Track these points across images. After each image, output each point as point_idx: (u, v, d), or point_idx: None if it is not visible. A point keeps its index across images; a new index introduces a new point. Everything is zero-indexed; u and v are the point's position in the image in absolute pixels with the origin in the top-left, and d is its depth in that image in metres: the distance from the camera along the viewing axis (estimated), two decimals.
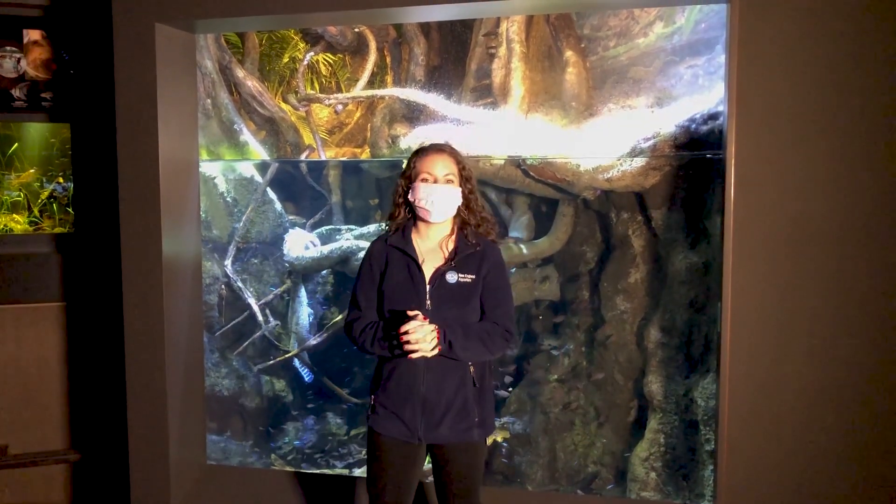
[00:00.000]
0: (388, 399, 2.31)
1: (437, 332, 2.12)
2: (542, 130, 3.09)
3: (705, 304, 2.99)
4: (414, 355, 2.11)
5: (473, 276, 2.26)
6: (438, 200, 2.24)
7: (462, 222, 2.33)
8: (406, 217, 2.35)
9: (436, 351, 2.13)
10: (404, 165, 2.36)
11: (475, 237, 2.31)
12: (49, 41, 3.61)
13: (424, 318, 2.11)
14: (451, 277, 2.26)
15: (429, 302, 2.24)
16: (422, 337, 2.08)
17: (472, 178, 2.34)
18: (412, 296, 2.25)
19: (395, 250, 2.31)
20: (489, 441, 3.26)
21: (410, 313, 2.12)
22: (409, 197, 2.29)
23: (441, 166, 2.26)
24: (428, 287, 2.26)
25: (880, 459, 2.57)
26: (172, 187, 3.18)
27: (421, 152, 2.32)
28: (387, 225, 2.39)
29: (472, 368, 2.27)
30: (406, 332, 2.09)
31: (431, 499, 3.03)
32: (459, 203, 2.30)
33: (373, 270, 2.34)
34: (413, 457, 2.34)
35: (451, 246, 2.31)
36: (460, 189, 2.29)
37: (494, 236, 2.39)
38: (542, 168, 3.11)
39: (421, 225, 2.33)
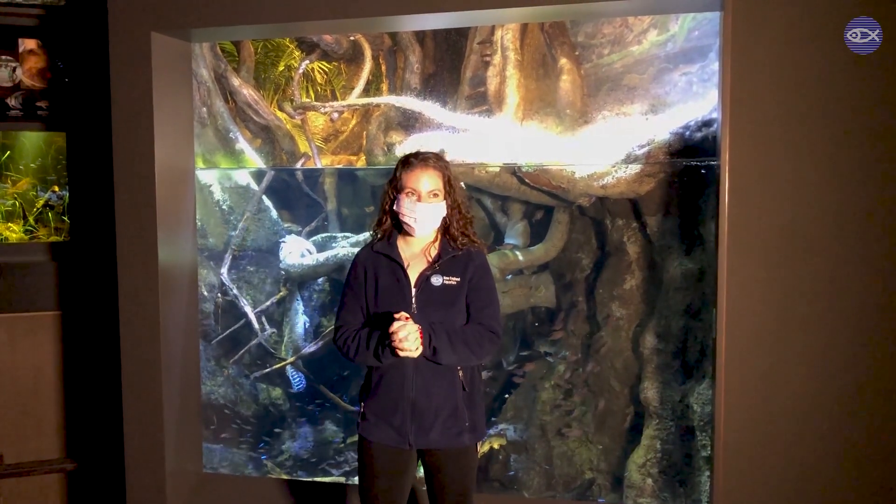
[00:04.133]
0: (378, 406, 2.32)
1: (421, 334, 2.13)
2: (536, 138, 3.10)
3: (700, 310, 3.00)
4: (401, 353, 2.12)
5: (458, 279, 2.28)
6: (422, 218, 2.27)
7: (445, 229, 2.34)
8: (391, 226, 2.38)
9: (420, 350, 2.14)
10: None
11: (459, 244, 2.32)
12: (44, 50, 3.61)
13: (406, 319, 2.12)
14: (436, 280, 2.27)
15: (414, 305, 2.26)
16: (405, 336, 2.09)
17: (456, 189, 2.34)
18: (398, 300, 2.28)
19: (380, 256, 2.34)
20: (485, 447, 3.27)
21: (396, 315, 2.13)
22: (395, 208, 2.32)
23: (426, 182, 2.27)
24: (413, 290, 2.28)
25: (876, 465, 2.57)
26: (168, 195, 3.18)
27: (407, 165, 2.32)
28: (374, 231, 2.41)
29: (461, 373, 2.28)
30: (394, 332, 2.10)
31: None
32: (444, 215, 2.32)
33: (359, 278, 2.36)
34: (404, 463, 2.34)
35: (434, 251, 2.33)
36: (445, 203, 2.30)
37: (479, 245, 2.40)
38: (537, 175, 3.12)
39: (406, 234, 2.36)
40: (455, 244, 2.32)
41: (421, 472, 2.44)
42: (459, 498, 2.37)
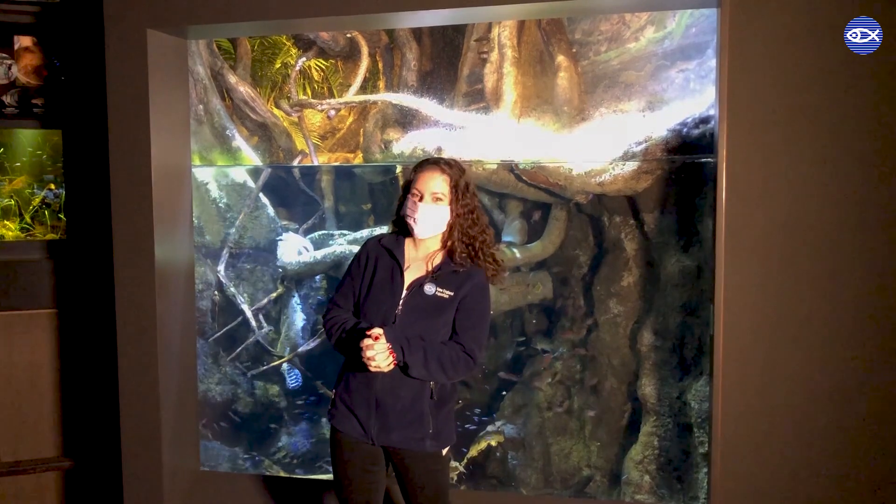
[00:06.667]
0: (348, 396, 2.34)
1: (392, 353, 2.14)
2: (534, 135, 3.10)
3: (698, 307, 3.00)
4: (371, 369, 2.14)
5: (451, 294, 2.27)
6: (422, 218, 2.27)
7: (452, 242, 2.31)
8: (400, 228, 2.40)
9: (391, 367, 2.16)
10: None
11: (463, 261, 2.29)
12: (40, 47, 3.60)
13: (376, 339, 2.12)
14: (429, 289, 2.27)
15: (400, 307, 2.26)
16: (373, 355, 2.11)
17: (468, 199, 2.30)
18: (388, 298, 2.29)
19: (385, 252, 2.36)
20: (482, 445, 3.27)
21: (368, 332, 2.14)
22: (402, 209, 2.34)
23: (432, 184, 2.27)
24: (404, 293, 2.28)
25: (873, 462, 2.58)
26: (165, 193, 3.18)
27: (419, 166, 2.33)
28: (389, 228, 2.45)
29: (431, 381, 2.28)
30: (362, 350, 2.13)
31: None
32: (448, 221, 2.29)
33: (360, 264, 2.39)
34: (372, 457, 2.36)
35: (437, 261, 2.33)
36: (449, 209, 2.28)
37: (491, 263, 2.34)
38: (534, 172, 3.12)
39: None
40: (454, 256, 2.30)
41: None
42: (432, 500, 2.36)
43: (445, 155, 3.16)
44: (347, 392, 2.34)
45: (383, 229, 3.26)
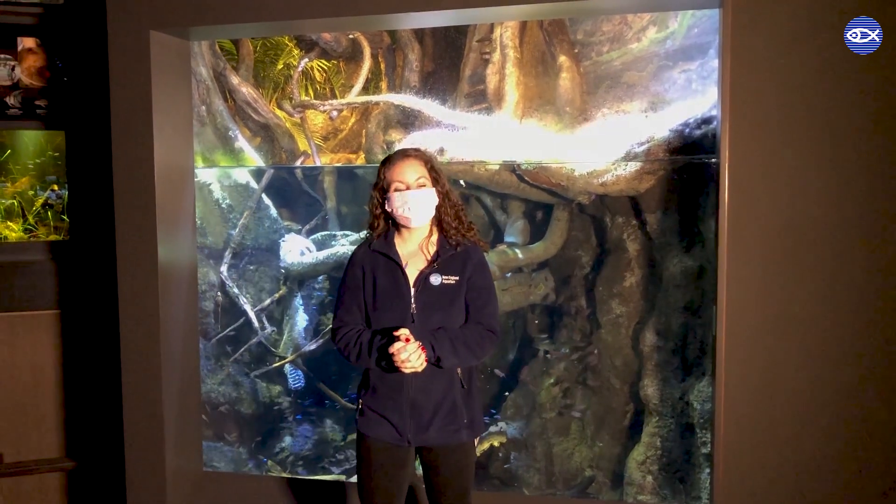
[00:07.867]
0: (377, 402, 2.32)
1: (423, 349, 2.14)
2: (536, 135, 3.10)
3: (700, 308, 3.00)
4: (405, 370, 2.14)
5: (457, 278, 2.28)
6: (415, 206, 2.27)
7: (440, 222, 2.35)
8: (386, 227, 2.38)
9: (424, 366, 2.16)
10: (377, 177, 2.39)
11: (456, 238, 2.33)
12: (43, 49, 3.61)
13: (407, 340, 2.12)
14: (435, 280, 2.28)
15: (414, 306, 2.26)
16: (408, 356, 2.11)
17: (442, 177, 2.36)
18: (397, 300, 2.28)
19: (378, 255, 2.34)
20: (485, 445, 3.27)
21: (396, 333, 2.14)
22: (387, 208, 2.33)
23: (411, 172, 2.29)
24: (412, 290, 2.28)
25: (876, 461, 2.57)
26: (168, 194, 3.18)
27: (388, 161, 2.35)
28: (368, 235, 2.42)
29: (459, 371, 2.29)
30: (395, 354, 2.12)
31: (423, 502, 3.02)
32: (436, 203, 2.32)
33: (356, 277, 2.36)
34: (402, 459, 2.35)
35: (432, 248, 2.34)
36: (434, 190, 2.31)
37: (475, 236, 2.40)
38: (536, 173, 3.12)
39: (402, 230, 2.36)
40: (449, 235, 2.33)
41: (419, 468, 2.45)
42: (458, 493, 2.37)
43: (447, 157, 3.17)
44: (375, 399, 2.33)
45: None
